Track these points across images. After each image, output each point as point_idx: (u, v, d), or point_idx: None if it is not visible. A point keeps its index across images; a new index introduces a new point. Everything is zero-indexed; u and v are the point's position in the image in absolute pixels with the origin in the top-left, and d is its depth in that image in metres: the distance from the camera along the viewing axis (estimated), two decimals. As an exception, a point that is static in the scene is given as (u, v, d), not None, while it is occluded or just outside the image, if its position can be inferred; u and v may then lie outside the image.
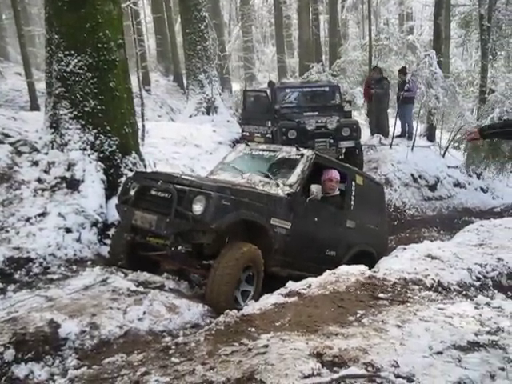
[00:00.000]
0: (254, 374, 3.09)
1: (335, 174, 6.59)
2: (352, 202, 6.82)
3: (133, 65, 11.58)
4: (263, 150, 6.87)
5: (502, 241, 6.83)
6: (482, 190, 13.79)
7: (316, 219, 6.24)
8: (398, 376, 3.10)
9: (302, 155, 6.33)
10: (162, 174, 5.94)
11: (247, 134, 12.67)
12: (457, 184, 13.26)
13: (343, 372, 3.07)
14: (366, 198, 7.05)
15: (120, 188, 6.24)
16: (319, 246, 6.41)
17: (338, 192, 6.68)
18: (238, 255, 5.12)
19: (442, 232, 11.16)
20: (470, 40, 19.19)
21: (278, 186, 6.01)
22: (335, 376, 3.02)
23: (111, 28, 7.03)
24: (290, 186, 6.00)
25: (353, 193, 6.82)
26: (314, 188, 6.02)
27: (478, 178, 13.82)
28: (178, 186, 5.30)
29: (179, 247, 5.34)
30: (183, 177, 5.70)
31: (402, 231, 10.83)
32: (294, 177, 6.09)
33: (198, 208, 5.00)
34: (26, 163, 6.99)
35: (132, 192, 5.73)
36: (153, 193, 5.55)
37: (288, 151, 6.55)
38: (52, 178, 6.78)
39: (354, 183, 6.86)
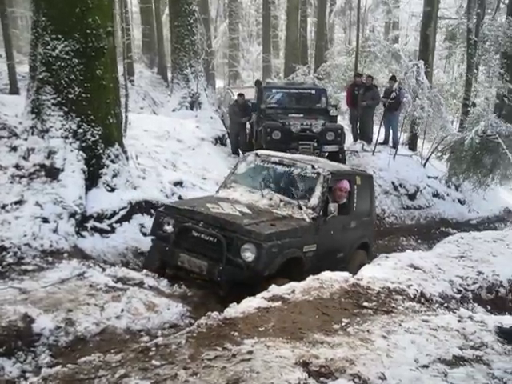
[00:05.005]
0: (238, 381, 2.99)
1: (345, 185, 6.70)
2: (354, 204, 6.97)
3: (118, 54, 11.33)
4: (275, 163, 6.79)
5: (482, 254, 6.88)
6: (459, 201, 13.88)
7: (332, 232, 6.44)
8: (385, 390, 3.04)
9: (318, 174, 6.42)
10: (198, 212, 5.78)
11: None
12: (436, 194, 13.31)
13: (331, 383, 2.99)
14: (362, 194, 7.19)
15: (152, 222, 6.19)
16: (333, 252, 6.62)
17: (345, 200, 6.77)
18: None
19: (419, 241, 11.24)
20: (454, 53, 19.36)
21: (300, 208, 6.17)
22: (323, 387, 2.94)
23: (101, 14, 6.84)
24: (313, 208, 6.19)
25: (355, 196, 6.96)
26: (332, 207, 6.23)
27: (457, 189, 13.92)
28: (223, 232, 5.43)
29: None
30: (223, 218, 5.64)
31: (380, 238, 10.80)
32: (315, 199, 6.25)
33: (248, 255, 5.26)
34: (3, 148, 6.79)
35: (168, 228, 5.84)
36: (195, 234, 5.65)
37: (303, 167, 6.57)
38: (31, 165, 6.56)
39: (355, 186, 6.96)
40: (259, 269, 5.24)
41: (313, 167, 6.53)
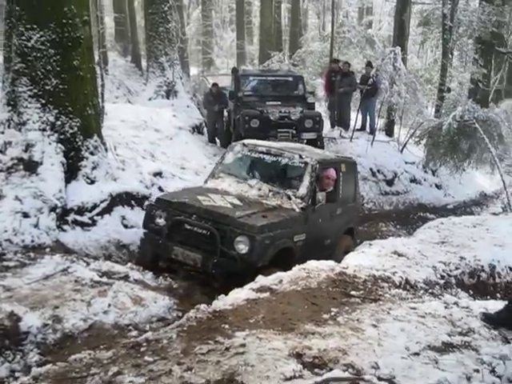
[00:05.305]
0: (234, 375, 2.98)
1: (332, 173, 6.73)
2: (340, 191, 7.01)
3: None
4: (263, 153, 6.75)
5: (463, 239, 6.96)
6: (436, 186, 14.03)
7: (320, 220, 6.52)
8: (380, 379, 3.06)
9: (306, 163, 6.45)
10: (190, 205, 5.78)
11: None
12: (413, 180, 13.43)
13: (326, 375, 3.00)
14: (347, 180, 7.24)
15: (144, 215, 6.21)
16: (321, 240, 6.69)
17: (332, 187, 6.78)
18: None
19: (398, 227, 11.29)
20: (429, 38, 19.45)
21: (289, 198, 6.23)
22: (319, 379, 2.95)
23: (77, 3, 6.66)
24: (302, 198, 6.24)
25: (341, 183, 6.99)
26: (321, 196, 6.31)
27: (434, 174, 14.06)
28: (216, 225, 5.49)
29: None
30: (216, 211, 5.67)
31: (360, 224, 10.86)
32: (304, 189, 6.30)
33: (241, 247, 5.35)
34: (-21, 142, 6.58)
35: (160, 221, 5.84)
36: (188, 227, 5.68)
37: (290, 157, 6.58)
38: (8, 158, 6.39)
39: (341, 173, 6.98)
40: (253, 260, 5.35)
41: (300, 157, 6.54)
